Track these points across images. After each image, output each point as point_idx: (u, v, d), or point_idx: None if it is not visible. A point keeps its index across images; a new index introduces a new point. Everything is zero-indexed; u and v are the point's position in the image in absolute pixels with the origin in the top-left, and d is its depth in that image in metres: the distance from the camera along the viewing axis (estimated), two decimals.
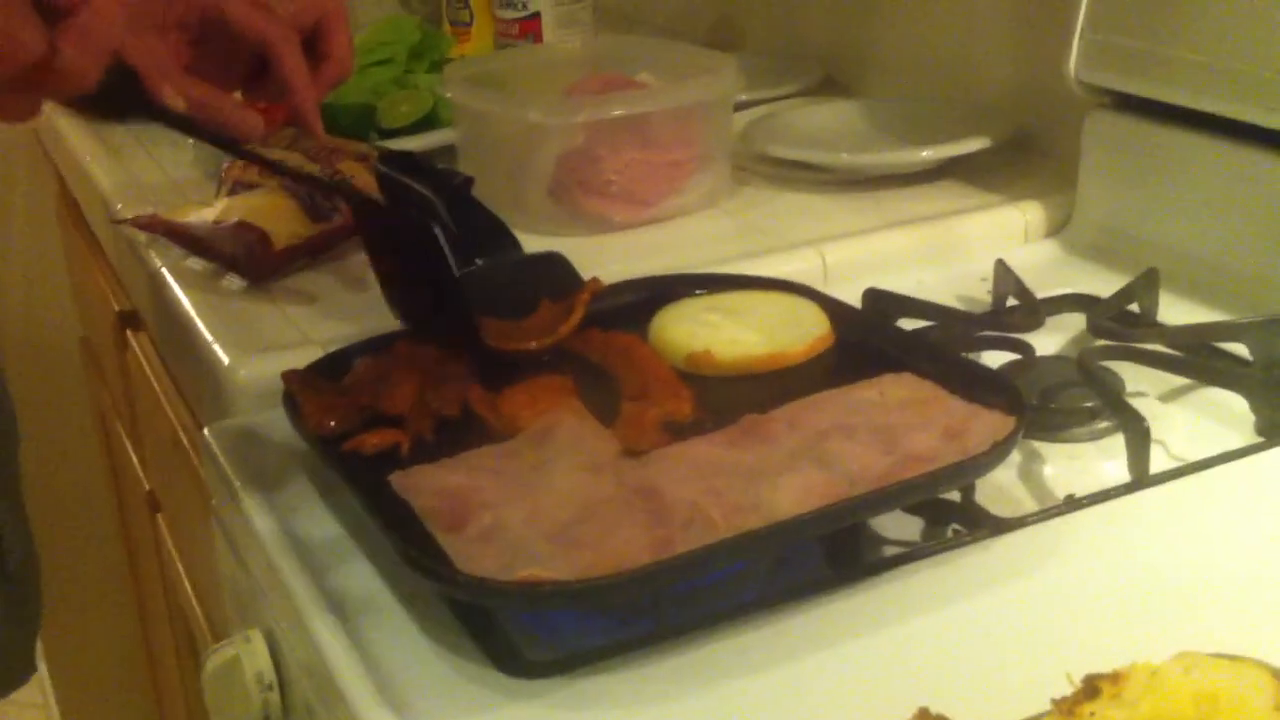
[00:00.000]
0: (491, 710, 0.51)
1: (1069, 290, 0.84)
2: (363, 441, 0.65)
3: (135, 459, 1.33)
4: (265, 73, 0.80)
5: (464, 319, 0.70)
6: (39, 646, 1.92)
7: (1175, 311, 0.81)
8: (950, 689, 0.48)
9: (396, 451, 0.64)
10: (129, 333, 1.18)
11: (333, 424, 0.66)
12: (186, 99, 0.72)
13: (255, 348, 0.79)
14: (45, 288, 1.70)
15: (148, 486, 1.28)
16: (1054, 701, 0.41)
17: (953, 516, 0.62)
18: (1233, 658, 0.43)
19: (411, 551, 0.55)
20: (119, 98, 0.70)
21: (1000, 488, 0.65)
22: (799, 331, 0.72)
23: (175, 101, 0.71)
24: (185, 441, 0.97)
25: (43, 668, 2.03)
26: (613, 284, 0.78)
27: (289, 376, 0.69)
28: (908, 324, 0.78)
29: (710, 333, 0.72)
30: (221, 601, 0.80)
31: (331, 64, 0.83)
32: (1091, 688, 0.41)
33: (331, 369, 0.72)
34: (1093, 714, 0.40)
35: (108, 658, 1.88)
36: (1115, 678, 0.41)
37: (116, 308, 1.19)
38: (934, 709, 0.41)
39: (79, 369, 1.68)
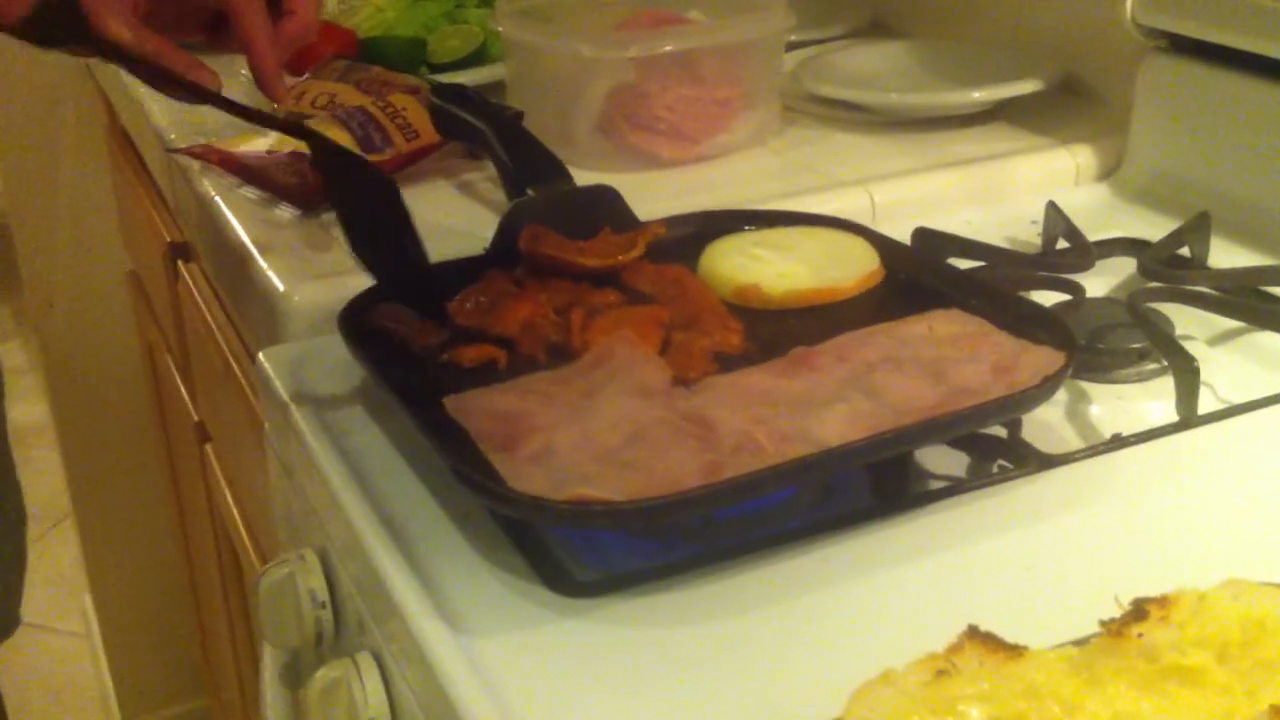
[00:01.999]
0: (541, 625, 0.52)
1: (1120, 234, 0.84)
2: (462, 354, 0.66)
3: (184, 391, 1.35)
4: (225, 26, 0.78)
5: (424, 275, 0.72)
6: (83, 574, 1.96)
7: (1226, 256, 0.80)
8: (998, 611, 0.49)
9: (457, 377, 0.65)
10: (179, 263, 1.19)
11: (433, 341, 0.68)
12: (134, 42, 0.70)
13: (309, 275, 0.79)
14: (92, 221, 1.72)
15: (196, 418, 1.30)
16: (1102, 623, 0.41)
17: (999, 453, 0.62)
18: (1279, 585, 0.43)
19: (464, 469, 0.56)
20: (57, 27, 0.68)
21: (1047, 426, 0.65)
22: (848, 267, 0.73)
23: (120, 32, 0.69)
24: (237, 370, 0.99)
25: (87, 599, 2.07)
26: (662, 219, 0.79)
27: (369, 307, 0.70)
28: (957, 263, 0.78)
29: (759, 266, 0.72)
30: (272, 528, 0.82)
31: (293, 21, 0.79)
32: (1140, 610, 0.41)
33: (385, 294, 0.72)
34: (1140, 635, 0.41)
35: (151, 589, 1.91)
36: (1163, 601, 0.42)
37: (167, 238, 1.20)
38: (982, 628, 0.42)
39: (126, 302, 1.70)
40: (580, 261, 0.72)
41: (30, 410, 2.30)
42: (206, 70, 0.75)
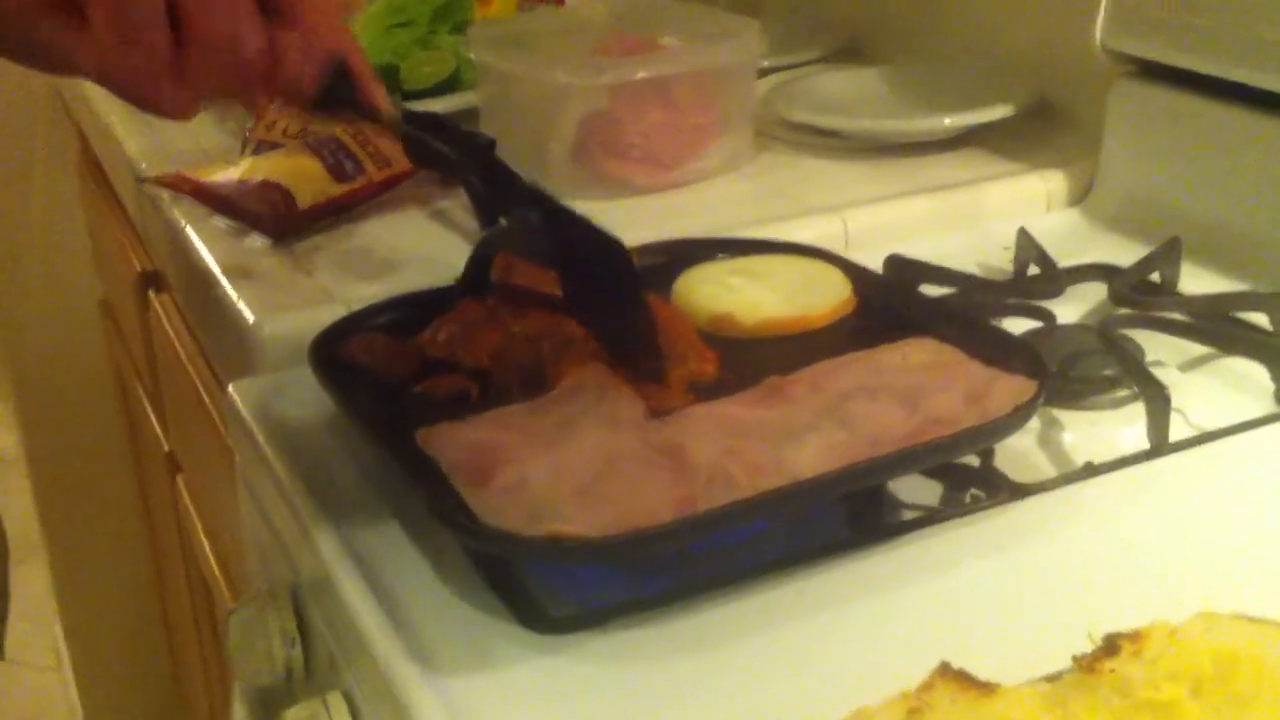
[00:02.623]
0: (515, 664, 0.52)
1: (1091, 259, 0.84)
2: (433, 386, 0.66)
3: (155, 421, 1.34)
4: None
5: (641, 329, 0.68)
6: (54, 606, 1.94)
7: (1197, 281, 0.81)
8: (971, 646, 0.49)
9: (428, 410, 0.65)
10: (150, 292, 1.18)
11: (403, 373, 0.67)
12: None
13: (279, 306, 0.79)
14: (64, 248, 1.71)
15: (167, 448, 1.29)
16: (1075, 659, 0.41)
17: (972, 481, 0.62)
18: (1252, 618, 0.43)
19: (437, 504, 0.55)
20: (342, 102, 0.71)
21: (1020, 454, 0.65)
22: (821, 295, 0.73)
23: (388, 105, 0.71)
24: (208, 401, 0.98)
25: (58, 631, 2.05)
26: (635, 246, 0.78)
27: (342, 338, 0.70)
28: (930, 290, 0.78)
29: (733, 295, 0.72)
30: (243, 561, 0.81)
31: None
32: (1112, 645, 0.41)
33: (357, 326, 0.72)
34: (1113, 671, 0.40)
35: (123, 621, 1.90)
36: (1135, 636, 0.42)
37: (139, 267, 1.20)
38: (955, 664, 0.41)
39: (98, 330, 1.69)
40: (553, 292, 0.71)
41: (1, 440, 2.28)
42: None
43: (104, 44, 0.61)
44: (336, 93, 0.70)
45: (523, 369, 0.67)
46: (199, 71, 0.63)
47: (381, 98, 0.71)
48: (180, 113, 0.67)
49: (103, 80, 0.64)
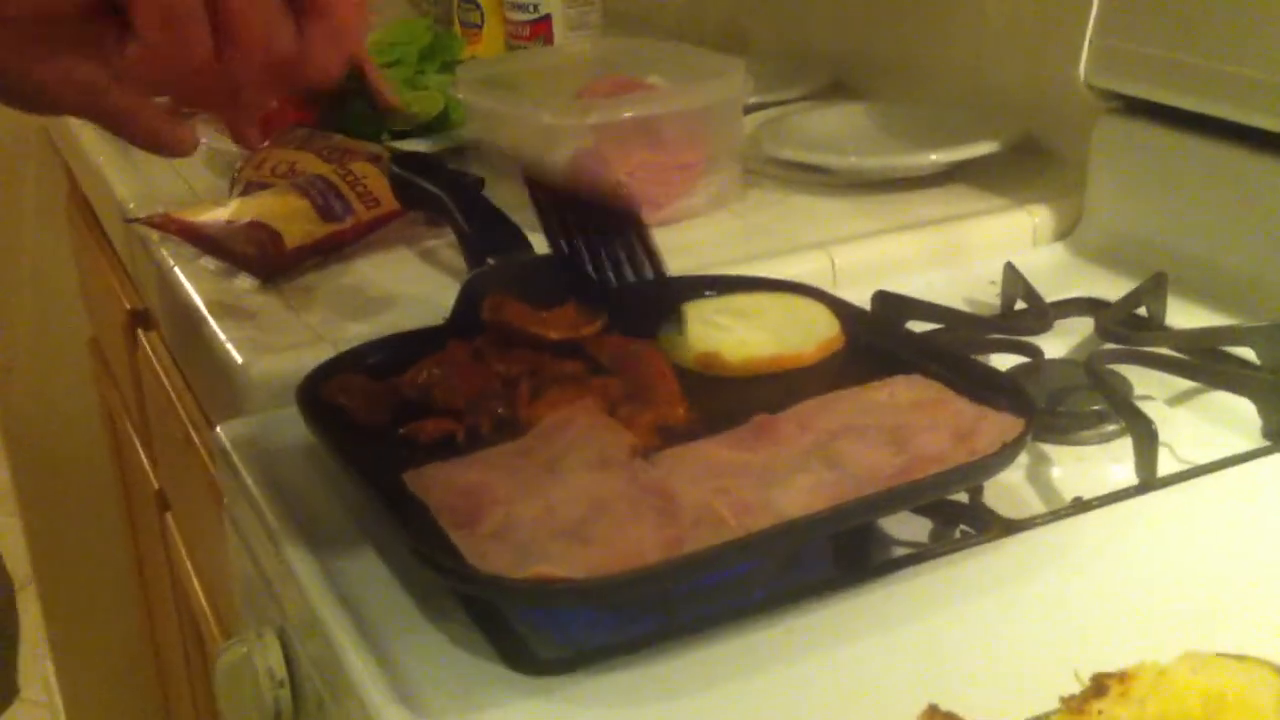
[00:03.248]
0: (502, 707, 0.52)
1: (1077, 294, 0.84)
2: (420, 429, 0.66)
3: (144, 458, 1.33)
4: None
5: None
6: (44, 642, 1.93)
7: (1183, 316, 0.81)
8: (958, 687, 0.49)
9: (415, 451, 0.65)
10: (139, 331, 1.18)
11: (382, 414, 0.67)
12: None
13: (267, 346, 0.79)
14: (54, 287, 1.71)
15: (157, 485, 1.29)
16: (1062, 700, 0.41)
17: (961, 518, 0.62)
18: (1240, 657, 0.43)
19: (424, 548, 0.55)
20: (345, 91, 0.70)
21: (1009, 489, 0.65)
22: (809, 333, 0.73)
23: (396, 97, 0.70)
24: (196, 440, 0.98)
25: (49, 666, 2.04)
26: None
27: (326, 380, 0.70)
28: (917, 326, 0.78)
29: (720, 334, 0.72)
30: (232, 600, 0.81)
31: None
32: (1099, 686, 0.41)
33: (346, 366, 0.72)
34: (1100, 712, 0.40)
35: (114, 657, 1.89)
36: (1123, 677, 0.41)
37: (128, 306, 1.20)
38: (943, 706, 0.41)
39: (87, 369, 1.68)
40: (543, 333, 0.72)
41: None
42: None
43: (146, 36, 0.60)
44: (349, 85, 0.69)
45: (495, 413, 0.67)
46: (234, 65, 0.62)
47: (391, 90, 0.71)
48: (182, 141, 0.67)
49: (110, 111, 0.65)
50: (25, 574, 1.97)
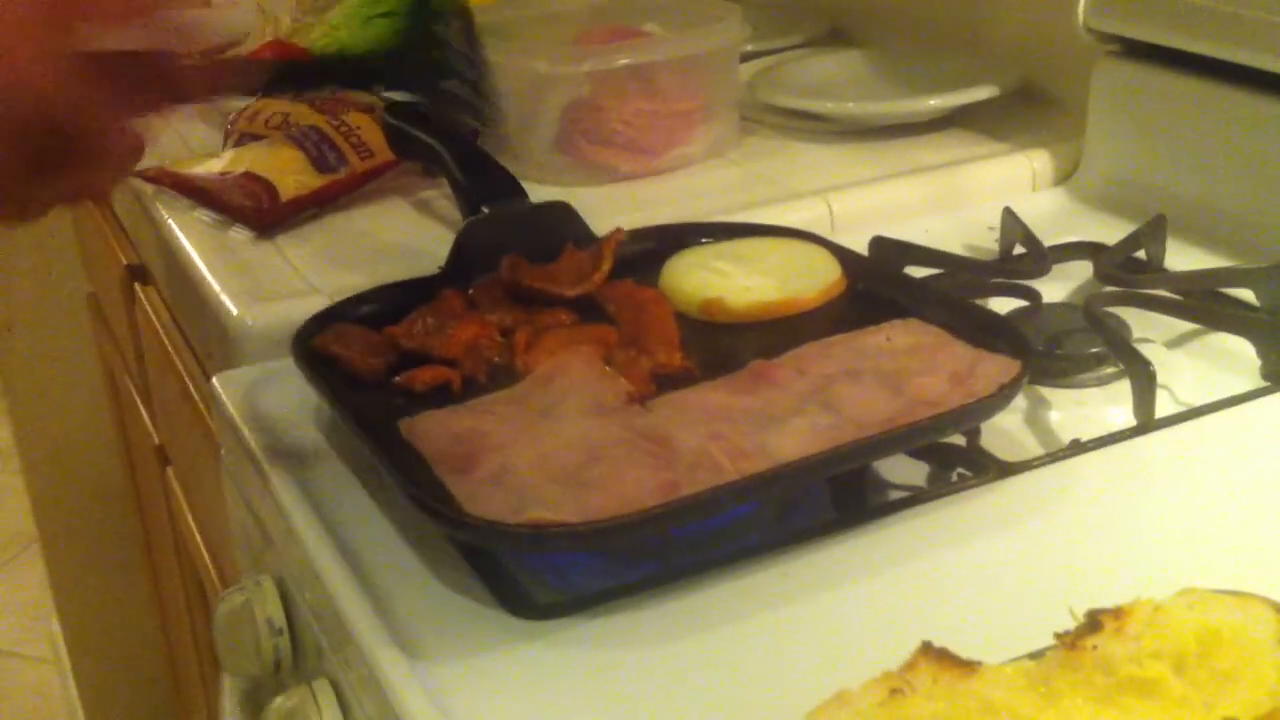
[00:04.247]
0: (500, 649, 0.52)
1: (1076, 238, 0.84)
2: (414, 377, 0.66)
3: (145, 413, 1.33)
4: None
5: None
6: (50, 599, 1.94)
7: (1183, 258, 0.81)
8: (954, 625, 0.49)
9: (411, 400, 0.65)
10: (137, 286, 1.18)
11: (378, 363, 0.67)
12: None
13: (263, 297, 0.79)
14: (52, 244, 1.70)
15: (157, 441, 1.29)
16: (1057, 635, 0.41)
17: (958, 460, 0.62)
18: (1236, 593, 0.43)
19: (419, 494, 0.55)
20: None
21: (1006, 433, 0.65)
22: (811, 278, 0.72)
23: None
24: (194, 393, 0.98)
25: (54, 622, 2.05)
26: (624, 231, 0.78)
27: (321, 330, 0.69)
28: (915, 272, 0.78)
29: (723, 280, 0.72)
30: (232, 552, 0.81)
31: None
32: (1094, 622, 0.41)
33: (341, 316, 0.72)
34: (1095, 647, 0.40)
35: (118, 610, 1.90)
36: (1118, 613, 0.41)
37: (124, 261, 1.19)
38: (937, 643, 0.41)
39: (86, 325, 1.68)
40: (560, 291, 0.71)
41: None
42: None
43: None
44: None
45: (491, 361, 0.67)
46: None
47: None
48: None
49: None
50: (30, 532, 1.98)
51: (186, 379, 1.00)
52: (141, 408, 1.34)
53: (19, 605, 2.25)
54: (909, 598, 0.53)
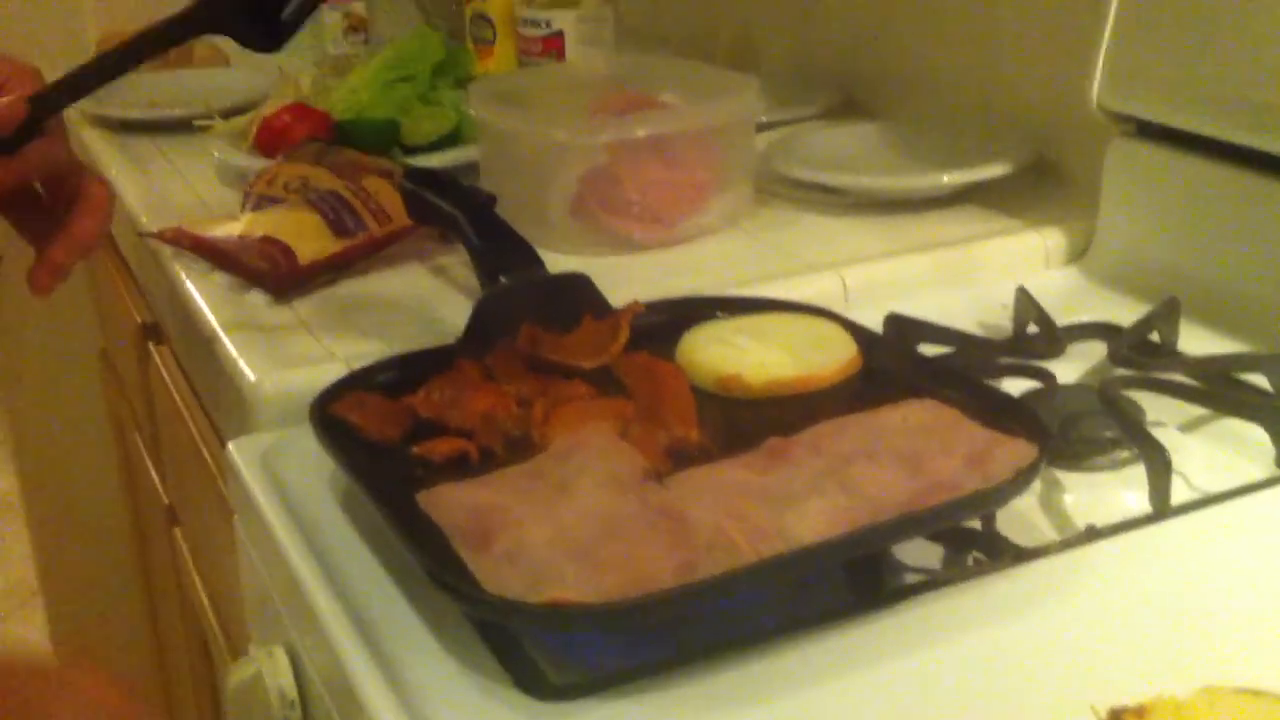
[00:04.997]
0: None
1: (1090, 318, 0.84)
2: (432, 448, 0.66)
3: (154, 472, 1.33)
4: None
5: None
6: (49, 652, 1.93)
7: (1196, 341, 0.81)
8: (972, 715, 0.48)
9: (428, 470, 0.65)
10: (151, 345, 1.18)
11: (394, 432, 0.67)
12: None
13: (280, 363, 0.79)
14: (66, 299, 1.71)
15: (166, 500, 1.29)
16: None
17: (974, 544, 0.62)
18: (1256, 692, 0.43)
19: (438, 570, 0.55)
20: None
21: (1021, 515, 0.65)
22: (827, 355, 0.73)
23: None
24: (207, 455, 0.98)
25: None
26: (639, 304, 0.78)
27: (339, 397, 0.70)
28: (928, 349, 0.78)
29: (740, 356, 0.72)
30: (241, 617, 0.81)
31: (83, 222, 0.73)
32: None
33: (359, 384, 0.72)
34: None
35: (119, 669, 1.88)
36: (1140, 711, 0.41)
37: (139, 319, 1.20)
38: None
39: (97, 380, 1.68)
40: (579, 364, 0.72)
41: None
42: None
43: None
44: None
45: (508, 433, 0.67)
46: None
47: None
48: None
49: None
50: (33, 583, 1.97)
51: (199, 440, 1.00)
52: (150, 465, 1.34)
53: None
54: (926, 686, 0.52)
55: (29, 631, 2.24)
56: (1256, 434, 0.70)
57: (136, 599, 1.73)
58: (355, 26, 1.53)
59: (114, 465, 1.67)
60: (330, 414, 0.69)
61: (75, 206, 0.73)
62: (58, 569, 1.86)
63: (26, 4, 1.58)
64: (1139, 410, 0.72)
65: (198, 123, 1.24)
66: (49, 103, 0.71)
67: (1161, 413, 0.73)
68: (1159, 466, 0.64)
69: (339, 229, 0.93)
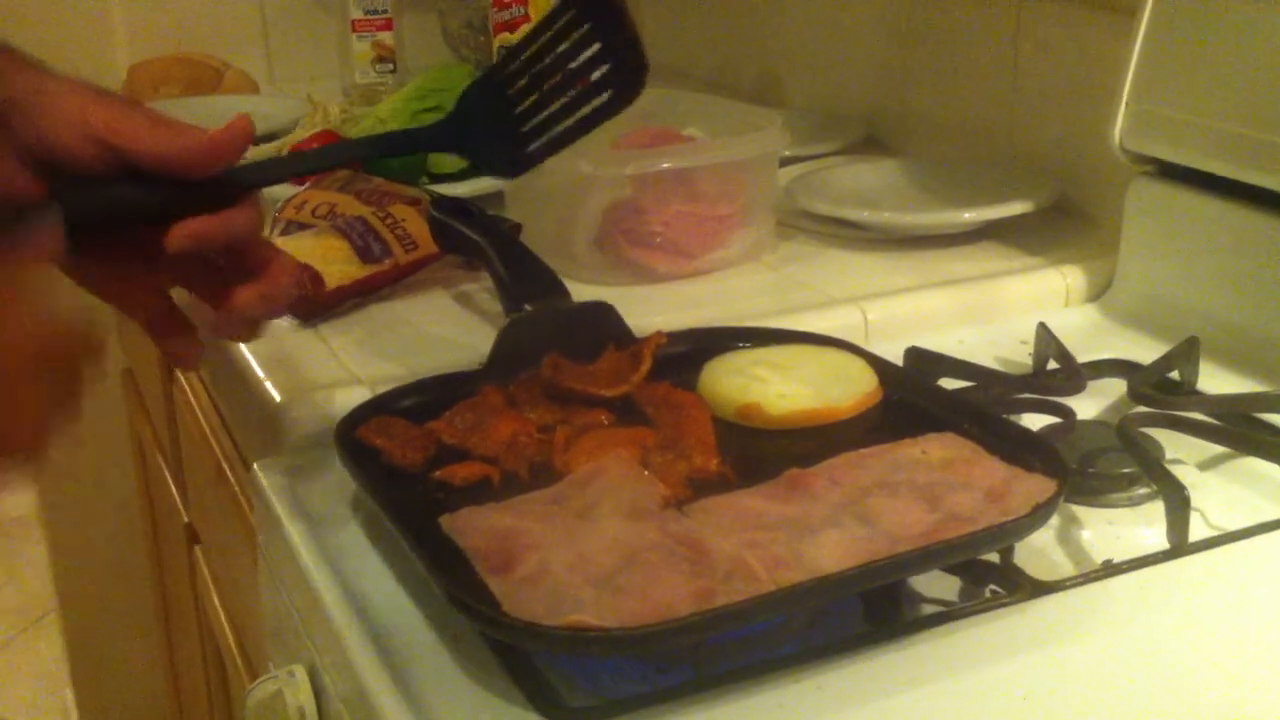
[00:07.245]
0: None
1: (1108, 355, 0.85)
2: (455, 473, 0.67)
3: (174, 490, 1.34)
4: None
5: None
6: (65, 670, 1.94)
7: (1215, 380, 0.81)
8: None
9: (451, 494, 0.66)
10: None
11: (418, 457, 0.68)
12: None
13: (306, 387, 0.80)
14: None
15: (186, 519, 1.30)
16: None
17: (991, 577, 0.63)
18: None
19: (459, 593, 0.56)
20: None
21: (1039, 550, 0.65)
22: (847, 387, 0.73)
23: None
24: (230, 476, 0.99)
25: (68, 695, 2.04)
26: (660, 332, 0.79)
27: (364, 421, 0.71)
28: (948, 384, 0.79)
29: (760, 386, 0.73)
30: (260, 636, 0.81)
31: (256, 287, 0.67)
32: None
33: (383, 409, 0.73)
34: None
35: (133, 683, 1.89)
36: None
37: None
38: None
39: (119, 400, 1.70)
40: (599, 392, 0.73)
41: (18, 501, 2.29)
42: None
43: None
44: None
45: (531, 459, 0.68)
46: None
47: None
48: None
49: None
50: (49, 601, 1.98)
51: (222, 461, 1.01)
52: (172, 485, 1.35)
53: (35, 673, 2.25)
54: (942, 716, 0.53)
55: (45, 646, 2.25)
56: (1275, 473, 0.70)
57: (154, 617, 1.74)
58: (383, 56, 1.55)
59: (134, 483, 1.68)
60: (354, 438, 0.70)
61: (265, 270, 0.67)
62: (74, 585, 1.87)
63: (59, 34, 1.60)
64: (1158, 447, 0.73)
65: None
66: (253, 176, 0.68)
67: (1180, 450, 0.73)
68: (1177, 503, 0.64)
69: (366, 255, 0.94)
